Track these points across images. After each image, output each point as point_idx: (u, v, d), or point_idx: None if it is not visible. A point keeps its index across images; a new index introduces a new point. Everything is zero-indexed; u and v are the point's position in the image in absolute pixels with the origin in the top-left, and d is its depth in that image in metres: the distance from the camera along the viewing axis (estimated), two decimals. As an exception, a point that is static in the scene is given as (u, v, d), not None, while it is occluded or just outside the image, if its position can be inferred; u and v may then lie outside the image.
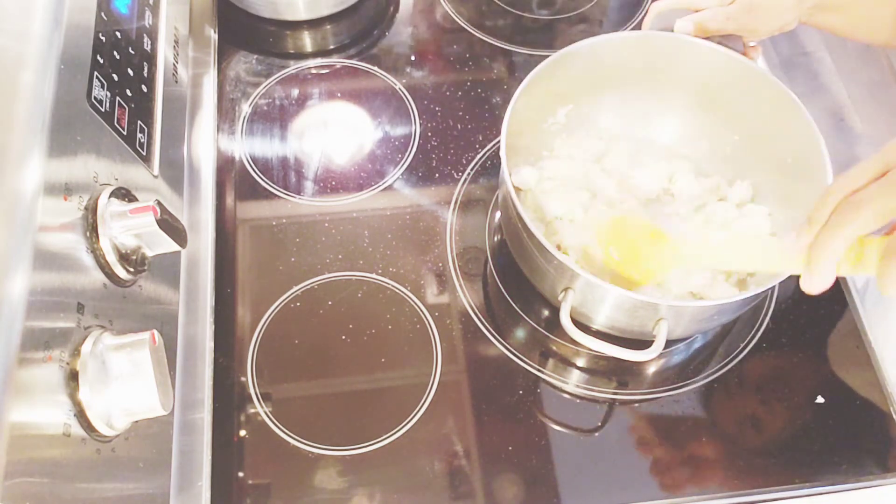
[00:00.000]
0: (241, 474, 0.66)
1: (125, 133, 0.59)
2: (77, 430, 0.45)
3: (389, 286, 0.75)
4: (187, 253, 0.72)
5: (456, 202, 0.81)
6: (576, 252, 0.71)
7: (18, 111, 0.46)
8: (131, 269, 0.53)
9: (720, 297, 0.68)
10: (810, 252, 0.49)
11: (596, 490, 0.66)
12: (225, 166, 0.83)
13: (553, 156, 0.80)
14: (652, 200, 0.77)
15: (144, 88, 0.65)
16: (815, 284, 0.49)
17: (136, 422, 0.51)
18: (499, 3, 0.99)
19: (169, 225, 0.54)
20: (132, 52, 0.63)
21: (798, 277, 0.51)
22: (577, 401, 0.71)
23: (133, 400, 0.48)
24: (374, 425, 0.68)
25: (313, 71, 0.92)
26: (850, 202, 0.47)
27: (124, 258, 0.53)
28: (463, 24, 0.96)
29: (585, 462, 0.67)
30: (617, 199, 0.76)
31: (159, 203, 0.53)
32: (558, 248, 0.71)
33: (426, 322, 0.74)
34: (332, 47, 0.94)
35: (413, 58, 0.93)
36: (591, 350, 0.65)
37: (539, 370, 0.72)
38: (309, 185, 0.82)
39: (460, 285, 0.76)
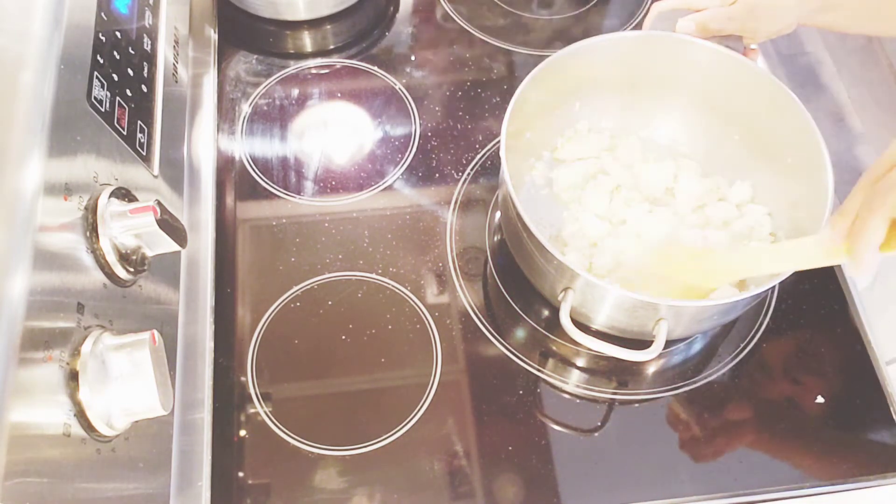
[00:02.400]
0: (241, 474, 0.66)
1: (125, 133, 0.59)
2: (77, 430, 0.45)
3: (389, 286, 0.75)
4: (187, 253, 0.72)
5: (456, 202, 0.81)
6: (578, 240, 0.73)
7: (18, 111, 0.46)
8: (131, 269, 0.53)
9: (720, 297, 0.68)
10: (850, 241, 0.51)
11: (596, 490, 0.66)
12: (225, 166, 0.83)
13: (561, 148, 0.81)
14: (656, 199, 0.77)
15: (144, 88, 0.65)
16: (862, 270, 0.51)
17: (136, 422, 0.51)
18: (499, 3, 0.99)
19: (169, 225, 0.54)
20: (132, 52, 0.63)
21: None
22: (577, 401, 0.71)
23: (133, 400, 0.48)
24: (374, 425, 0.68)
25: (313, 71, 0.92)
26: (879, 187, 0.49)
27: (124, 258, 0.53)
28: (463, 24, 0.96)
29: (585, 462, 0.67)
30: (628, 184, 0.77)
31: (159, 203, 0.53)
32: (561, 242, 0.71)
33: (426, 322, 0.74)
34: (332, 47, 0.94)
35: (413, 58, 0.93)
36: (591, 350, 0.65)
37: (539, 370, 0.72)
38: (309, 185, 0.82)
39: (460, 285, 0.76)
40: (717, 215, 0.76)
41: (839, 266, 0.78)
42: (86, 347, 0.46)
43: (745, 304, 0.67)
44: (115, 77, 0.59)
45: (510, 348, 0.73)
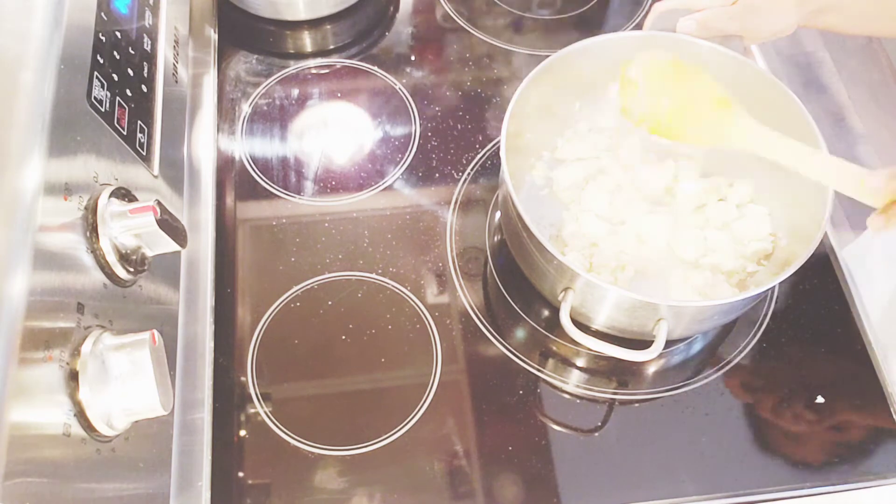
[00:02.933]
0: (241, 474, 0.66)
1: (125, 133, 0.59)
2: (77, 430, 0.45)
3: (389, 286, 0.75)
4: (187, 253, 0.72)
5: (456, 202, 0.81)
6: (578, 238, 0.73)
7: (18, 111, 0.46)
8: (131, 269, 0.53)
9: (720, 297, 0.68)
10: (889, 210, 0.55)
11: (596, 490, 0.66)
12: (225, 166, 0.83)
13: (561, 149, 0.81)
14: (656, 199, 0.77)
15: (144, 88, 0.65)
16: (885, 231, 0.56)
17: (136, 422, 0.51)
18: (499, 3, 0.99)
19: (169, 225, 0.54)
20: (132, 52, 0.63)
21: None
22: (577, 401, 0.71)
23: (133, 400, 0.48)
24: (374, 425, 0.68)
25: (313, 71, 0.92)
26: None
27: (124, 258, 0.53)
28: (463, 24, 0.96)
29: (585, 462, 0.68)
30: (628, 184, 0.77)
31: (159, 203, 0.53)
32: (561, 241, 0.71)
33: (426, 322, 0.74)
34: (332, 47, 0.94)
35: (413, 58, 0.93)
36: (591, 350, 0.65)
37: (539, 370, 0.72)
38: (309, 185, 0.82)
39: (460, 285, 0.76)
40: (717, 215, 0.76)
41: (839, 266, 0.78)
42: (86, 347, 0.46)
43: (745, 304, 0.67)
44: (115, 77, 0.59)
45: (510, 348, 0.73)
